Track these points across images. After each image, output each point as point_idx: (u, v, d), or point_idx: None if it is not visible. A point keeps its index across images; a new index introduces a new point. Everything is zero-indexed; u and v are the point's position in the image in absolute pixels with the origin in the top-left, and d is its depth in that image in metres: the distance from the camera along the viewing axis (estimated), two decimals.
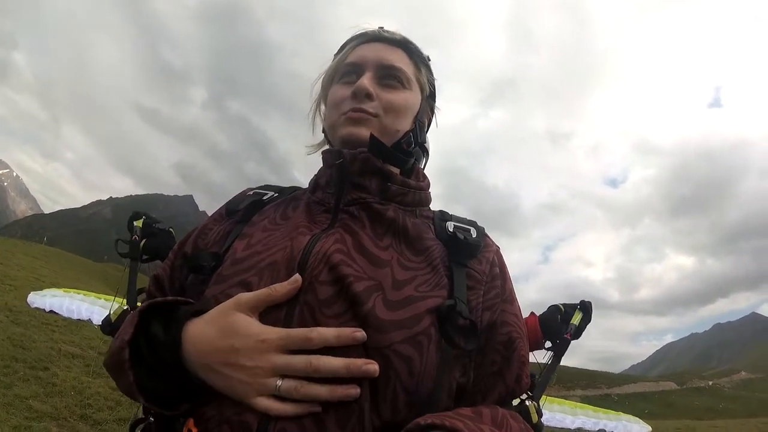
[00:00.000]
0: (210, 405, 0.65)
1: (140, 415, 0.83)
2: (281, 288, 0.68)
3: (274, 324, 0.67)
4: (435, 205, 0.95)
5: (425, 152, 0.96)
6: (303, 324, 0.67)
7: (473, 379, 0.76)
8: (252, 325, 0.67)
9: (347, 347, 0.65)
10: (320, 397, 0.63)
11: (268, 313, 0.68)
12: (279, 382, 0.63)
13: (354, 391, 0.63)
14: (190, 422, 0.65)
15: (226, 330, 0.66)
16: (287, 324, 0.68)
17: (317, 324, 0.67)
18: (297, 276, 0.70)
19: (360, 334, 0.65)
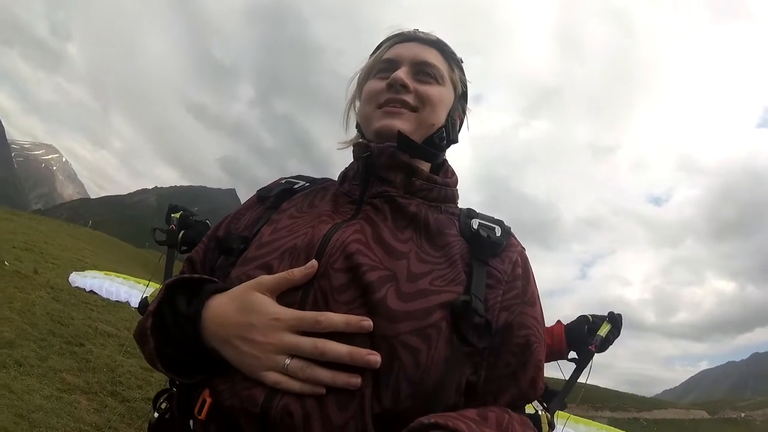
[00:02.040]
0: (223, 379, 0.70)
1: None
2: (298, 272, 0.72)
3: (290, 306, 0.72)
4: None
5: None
6: (316, 308, 0.71)
7: (485, 379, 0.76)
8: (268, 304, 0.71)
9: (352, 334, 0.68)
10: (323, 380, 0.66)
11: (286, 295, 0.73)
12: (287, 361, 0.67)
13: (355, 380, 0.66)
14: (206, 392, 0.70)
15: (245, 307, 0.71)
16: (302, 307, 0.71)
17: (329, 309, 0.70)
18: (313, 261, 0.74)
19: (367, 323, 0.68)
